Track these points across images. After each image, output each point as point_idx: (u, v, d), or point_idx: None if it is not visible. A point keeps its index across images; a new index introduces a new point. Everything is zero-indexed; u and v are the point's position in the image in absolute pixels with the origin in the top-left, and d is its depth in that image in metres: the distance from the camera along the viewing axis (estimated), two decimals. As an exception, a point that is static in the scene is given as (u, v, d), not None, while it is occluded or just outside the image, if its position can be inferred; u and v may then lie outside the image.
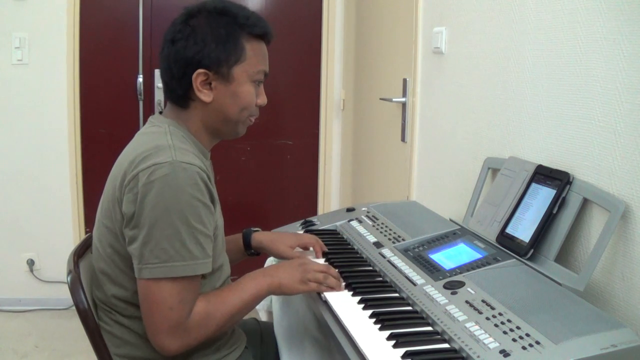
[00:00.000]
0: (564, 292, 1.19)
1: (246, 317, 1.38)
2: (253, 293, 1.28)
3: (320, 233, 1.71)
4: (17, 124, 3.16)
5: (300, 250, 1.57)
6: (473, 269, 1.32)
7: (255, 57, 1.30)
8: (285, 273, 1.32)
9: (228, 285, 1.32)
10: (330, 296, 1.30)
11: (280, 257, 1.56)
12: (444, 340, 1.10)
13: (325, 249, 1.57)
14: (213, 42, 1.26)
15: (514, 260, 1.35)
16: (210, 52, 1.25)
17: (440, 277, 1.30)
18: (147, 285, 1.17)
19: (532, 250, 1.37)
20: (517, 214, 1.47)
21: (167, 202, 1.14)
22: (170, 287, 1.16)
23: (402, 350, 1.05)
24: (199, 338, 1.22)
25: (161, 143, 1.21)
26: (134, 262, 1.18)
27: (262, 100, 1.35)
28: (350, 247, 1.62)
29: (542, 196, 1.41)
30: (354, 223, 1.74)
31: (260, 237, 1.58)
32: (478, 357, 1.00)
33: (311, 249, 1.56)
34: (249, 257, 1.61)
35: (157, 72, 3.24)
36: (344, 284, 1.35)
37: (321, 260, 1.50)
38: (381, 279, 1.40)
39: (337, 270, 1.39)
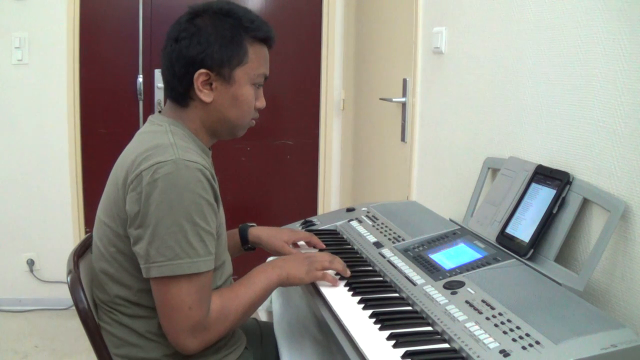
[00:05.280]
0: (564, 292, 1.19)
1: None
2: (263, 286, 1.30)
3: (320, 233, 1.71)
4: (17, 124, 3.16)
5: (302, 245, 1.61)
6: (473, 269, 1.32)
7: (257, 60, 1.31)
8: (293, 264, 1.36)
9: (238, 280, 1.33)
10: (330, 296, 1.30)
11: (276, 252, 1.59)
12: (444, 340, 1.10)
13: (322, 245, 1.59)
14: (217, 43, 1.26)
15: (514, 260, 1.35)
16: (213, 53, 1.26)
17: (440, 277, 1.30)
18: (164, 286, 1.17)
19: (532, 250, 1.37)
20: (517, 214, 1.47)
21: (172, 200, 1.14)
22: (188, 286, 1.16)
23: (402, 350, 1.05)
24: (218, 334, 1.23)
25: (163, 142, 1.22)
26: (140, 262, 1.19)
27: (261, 103, 1.36)
28: (350, 247, 1.62)
29: (542, 196, 1.41)
30: (354, 223, 1.74)
31: (257, 232, 1.62)
32: (478, 357, 1.00)
33: (303, 244, 1.59)
34: (246, 253, 1.64)
35: (157, 72, 3.24)
36: (344, 283, 1.36)
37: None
38: (381, 278, 1.40)
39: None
